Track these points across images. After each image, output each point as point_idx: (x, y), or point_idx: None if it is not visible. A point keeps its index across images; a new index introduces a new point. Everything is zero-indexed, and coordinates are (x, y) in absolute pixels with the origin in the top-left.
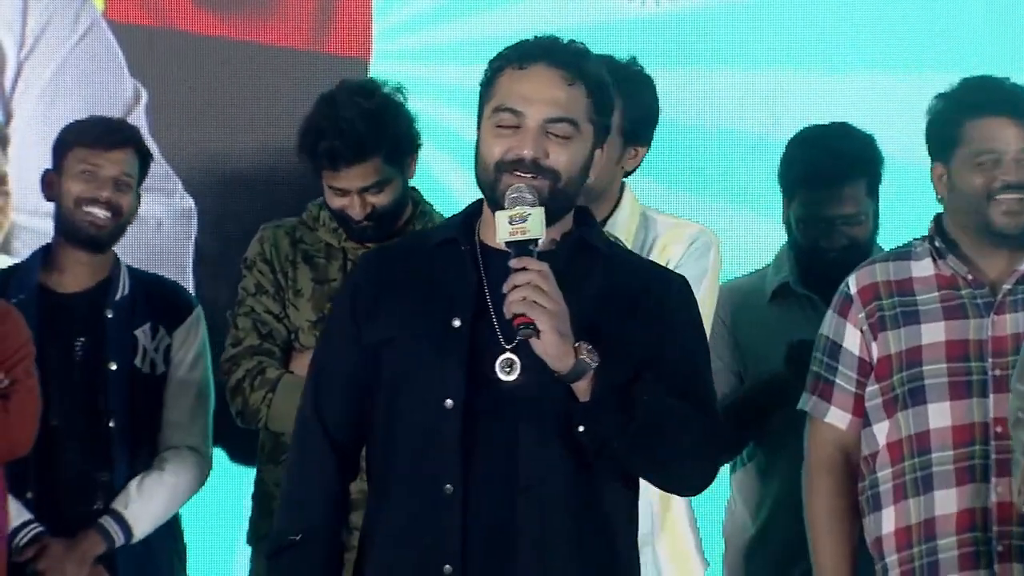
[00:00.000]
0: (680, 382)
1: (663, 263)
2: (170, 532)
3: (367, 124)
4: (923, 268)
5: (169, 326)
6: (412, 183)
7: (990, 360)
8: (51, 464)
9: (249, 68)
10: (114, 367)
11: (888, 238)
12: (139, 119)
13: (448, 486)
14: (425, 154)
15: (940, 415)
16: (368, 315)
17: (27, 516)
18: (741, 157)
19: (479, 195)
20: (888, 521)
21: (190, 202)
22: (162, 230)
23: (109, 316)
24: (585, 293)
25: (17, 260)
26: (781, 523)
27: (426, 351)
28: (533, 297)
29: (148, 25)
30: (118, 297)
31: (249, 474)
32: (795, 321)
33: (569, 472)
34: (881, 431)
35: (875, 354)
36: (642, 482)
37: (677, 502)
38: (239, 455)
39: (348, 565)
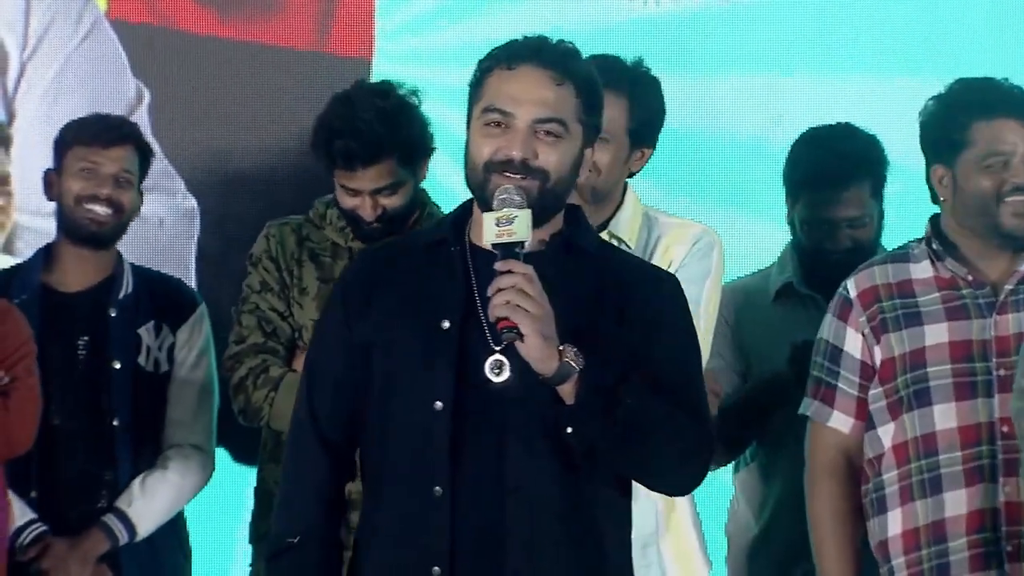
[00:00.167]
0: (669, 382)
1: (666, 263)
2: (174, 531)
3: (384, 125)
4: (922, 270)
5: (173, 324)
6: None
7: (994, 360)
8: (55, 463)
9: (251, 68)
10: (118, 366)
11: (891, 240)
12: (141, 119)
13: (437, 488)
14: None
15: (946, 416)
16: (359, 315)
17: (31, 515)
18: (741, 159)
19: None
20: (895, 523)
21: (192, 202)
22: (164, 230)
23: (112, 315)
24: (572, 294)
25: (20, 260)
26: (784, 523)
27: (416, 353)
28: (517, 301)
29: (151, 25)
30: (121, 295)
31: (251, 473)
32: (798, 321)
33: (558, 473)
34: (886, 433)
35: (877, 357)
36: None
37: (682, 503)
38: (241, 455)
39: (348, 564)
